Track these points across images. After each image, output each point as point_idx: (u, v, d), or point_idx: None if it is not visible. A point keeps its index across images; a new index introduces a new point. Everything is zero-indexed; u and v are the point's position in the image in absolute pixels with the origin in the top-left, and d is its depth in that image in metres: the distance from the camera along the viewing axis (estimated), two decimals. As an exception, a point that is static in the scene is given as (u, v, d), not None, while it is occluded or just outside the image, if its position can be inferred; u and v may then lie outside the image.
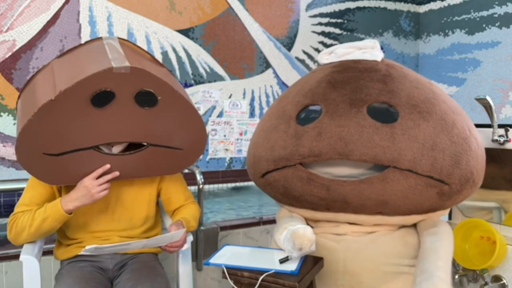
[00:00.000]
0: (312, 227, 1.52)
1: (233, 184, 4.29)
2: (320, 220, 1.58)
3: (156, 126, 1.50)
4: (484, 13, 4.72)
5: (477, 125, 1.64)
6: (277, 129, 1.57)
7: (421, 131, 1.39)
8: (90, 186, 1.41)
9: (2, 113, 3.27)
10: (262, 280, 1.26)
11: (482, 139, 1.57)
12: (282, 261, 1.34)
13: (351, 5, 4.92)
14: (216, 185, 4.20)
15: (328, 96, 1.51)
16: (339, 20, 4.85)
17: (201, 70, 4.09)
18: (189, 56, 4.02)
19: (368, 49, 1.63)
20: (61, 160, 1.41)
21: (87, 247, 1.33)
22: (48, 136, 1.36)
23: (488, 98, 1.78)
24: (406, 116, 1.41)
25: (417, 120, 1.41)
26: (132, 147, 1.55)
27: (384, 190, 1.39)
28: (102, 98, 1.37)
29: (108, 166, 1.45)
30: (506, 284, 1.69)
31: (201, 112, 4.10)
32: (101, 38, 1.54)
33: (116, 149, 1.51)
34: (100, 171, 1.43)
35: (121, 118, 1.43)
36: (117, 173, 1.47)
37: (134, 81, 1.39)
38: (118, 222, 1.64)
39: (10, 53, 3.26)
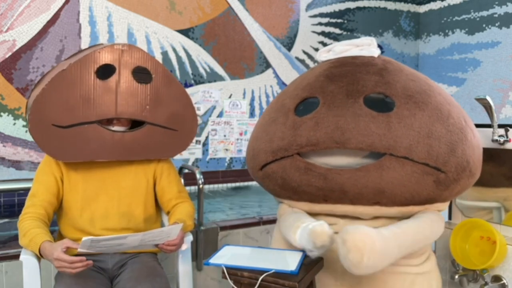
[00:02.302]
0: None
1: (233, 184, 4.29)
2: (320, 214, 1.58)
3: (151, 104, 1.68)
4: (484, 13, 4.73)
5: (477, 125, 1.64)
6: (276, 121, 1.60)
7: (417, 119, 1.41)
8: (55, 264, 1.38)
9: (2, 113, 3.27)
10: (262, 280, 1.26)
11: (478, 132, 1.58)
12: (307, 262, 1.34)
13: (351, 5, 4.92)
14: (216, 185, 4.20)
15: (326, 89, 1.53)
16: (339, 20, 4.86)
17: (201, 70, 4.09)
18: (189, 56, 4.02)
19: (365, 46, 1.67)
20: (67, 134, 1.57)
21: (83, 239, 1.32)
22: (58, 106, 1.53)
23: (488, 98, 1.78)
24: (402, 106, 1.43)
25: (413, 109, 1.43)
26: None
27: (381, 178, 1.39)
28: (105, 72, 1.59)
29: (90, 263, 1.38)
30: (506, 284, 1.69)
31: (201, 112, 4.10)
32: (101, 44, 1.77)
33: (116, 128, 1.65)
34: (74, 259, 1.36)
35: (121, 93, 1.62)
36: (90, 262, 1.40)
37: (132, 58, 1.64)
38: (117, 218, 1.65)
39: (10, 53, 3.26)
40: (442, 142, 1.39)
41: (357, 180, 1.41)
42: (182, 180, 2.38)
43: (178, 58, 3.97)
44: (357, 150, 1.43)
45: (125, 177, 1.70)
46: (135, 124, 1.71)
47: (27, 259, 1.48)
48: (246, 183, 4.28)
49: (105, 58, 1.60)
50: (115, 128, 1.65)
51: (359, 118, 1.41)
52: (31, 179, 1.68)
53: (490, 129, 1.82)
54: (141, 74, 1.66)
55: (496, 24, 4.62)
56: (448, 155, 1.39)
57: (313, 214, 1.59)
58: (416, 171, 1.38)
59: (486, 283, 1.74)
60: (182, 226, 1.54)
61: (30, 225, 1.50)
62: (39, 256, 1.46)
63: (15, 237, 1.85)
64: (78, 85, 1.56)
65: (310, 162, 1.48)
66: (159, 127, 1.71)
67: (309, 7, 4.63)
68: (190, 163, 4.06)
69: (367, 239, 1.19)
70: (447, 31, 5.12)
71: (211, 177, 4.12)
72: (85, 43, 3.53)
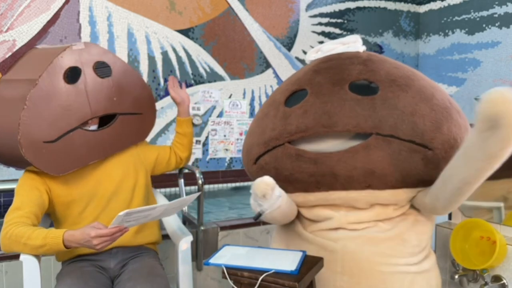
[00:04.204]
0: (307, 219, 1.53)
1: (233, 184, 4.29)
2: (315, 206, 1.58)
3: (117, 95, 1.73)
4: (484, 13, 4.72)
5: (477, 125, 1.64)
6: (268, 115, 1.67)
7: (401, 100, 1.45)
8: (95, 242, 1.32)
9: (2, 113, 3.26)
10: (262, 280, 1.26)
11: (465, 115, 1.59)
12: (256, 218, 1.40)
13: (351, 5, 4.92)
14: (216, 185, 4.20)
15: (313, 80, 1.61)
16: (339, 20, 4.85)
17: (201, 70, 4.09)
18: (189, 56, 4.02)
19: (351, 44, 1.74)
20: (59, 146, 1.56)
21: (119, 214, 1.26)
22: (43, 122, 1.52)
23: (488, 98, 1.78)
24: (385, 89, 1.48)
25: (396, 91, 1.48)
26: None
27: (369, 158, 1.42)
28: (73, 75, 1.60)
29: (126, 229, 1.37)
30: (506, 284, 1.69)
31: (201, 112, 4.10)
32: (34, 47, 1.79)
33: (92, 128, 1.68)
34: (113, 230, 1.33)
35: (91, 92, 1.65)
36: (127, 230, 1.39)
37: (90, 55, 1.66)
38: (120, 207, 1.66)
39: (10, 53, 3.27)
40: (427, 119, 1.42)
41: (346, 162, 1.44)
42: (182, 180, 2.38)
43: (178, 58, 3.97)
44: (346, 134, 1.48)
45: (114, 167, 1.73)
46: (105, 118, 1.73)
47: (27, 259, 1.47)
48: (246, 183, 4.28)
49: (69, 61, 1.60)
50: (91, 127, 1.67)
51: (345, 102, 1.47)
52: (31, 179, 1.66)
53: (490, 129, 1.82)
54: (101, 69, 1.69)
55: (496, 24, 4.62)
56: (433, 132, 1.41)
57: (310, 206, 1.60)
58: (403, 149, 1.41)
59: (486, 283, 1.74)
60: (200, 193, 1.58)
61: (29, 228, 1.41)
62: (63, 247, 1.37)
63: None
64: (53, 96, 1.55)
65: (300, 149, 1.52)
66: (129, 115, 1.77)
67: (309, 7, 4.63)
68: (190, 163, 4.05)
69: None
70: (447, 31, 5.12)
71: (211, 177, 4.12)
72: (85, 43, 3.53)
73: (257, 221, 1.42)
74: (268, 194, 1.37)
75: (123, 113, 1.75)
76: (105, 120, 1.72)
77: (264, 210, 1.39)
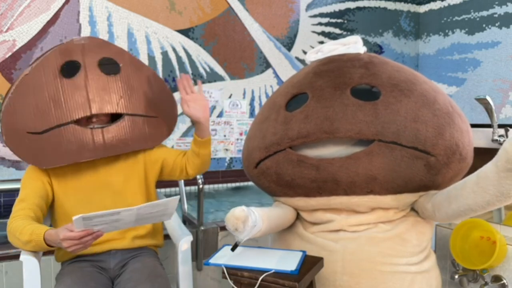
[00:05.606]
0: (307, 221, 1.53)
1: (233, 184, 4.29)
2: (317, 209, 1.58)
3: (125, 94, 1.62)
4: (484, 13, 4.72)
5: (477, 125, 1.65)
6: (268, 119, 1.65)
7: (403, 106, 1.44)
8: (65, 245, 1.28)
9: (2, 113, 3.26)
10: (262, 280, 1.26)
11: (466, 118, 1.59)
12: (233, 248, 1.36)
13: (351, 5, 4.92)
14: (216, 185, 4.20)
15: (314, 84, 1.59)
16: (339, 20, 4.85)
17: (201, 70, 4.09)
18: (189, 56, 4.02)
19: (351, 44, 1.72)
20: (45, 139, 1.49)
21: (74, 218, 1.19)
22: (28, 113, 1.46)
23: (488, 98, 1.79)
24: (387, 94, 1.47)
25: (399, 96, 1.46)
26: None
27: (371, 164, 1.41)
28: (70, 69, 1.53)
29: (99, 233, 1.30)
30: (506, 284, 1.69)
31: (201, 112, 4.10)
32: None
33: (97, 126, 1.60)
34: (81, 234, 1.26)
35: (92, 89, 1.56)
36: (100, 233, 1.31)
37: (95, 50, 1.57)
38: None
39: (10, 53, 3.26)
40: (429, 125, 1.42)
41: (348, 168, 1.43)
42: (182, 180, 2.38)
43: (178, 58, 3.97)
44: (347, 140, 1.46)
45: (116, 173, 1.69)
46: (114, 117, 1.67)
47: (27, 259, 1.47)
48: (246, 183, 4.28)
49: (67, 55, 1.53)
50: (96, 125, 1.60)
51: (347, 107, 1.45)
52: (31, 179, 1.66)
53: (490, 129, 1.82)
54: (108, 66, 1.60)
55: (496, 24, 4.62)
56: (436, 138, 1.41)
57: (311, 210, 1.59)
58: (405, 156, 1.40)
59: (486, 283, 1.74)
60: (179, 197, 1.44)
61: (24, 223, 1.42)
62: (45, 245, 1.36)
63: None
64: (44, 87, 1.49)
65: (302, 154, 1.51)
66: (138, 117, 1.66)
67: (309, 7, 4.63)
68: (190, 163, 4.05)
69: None
70: (447, 31, 5.12)
71: (211, 177, 4.12)
72: (85, 43, 3.53)
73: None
74: (240, 227, 1.32)
75: (132, 114, 1.65)
76: (116, 119, 1.65)
77: (240, 240, 1.35)
